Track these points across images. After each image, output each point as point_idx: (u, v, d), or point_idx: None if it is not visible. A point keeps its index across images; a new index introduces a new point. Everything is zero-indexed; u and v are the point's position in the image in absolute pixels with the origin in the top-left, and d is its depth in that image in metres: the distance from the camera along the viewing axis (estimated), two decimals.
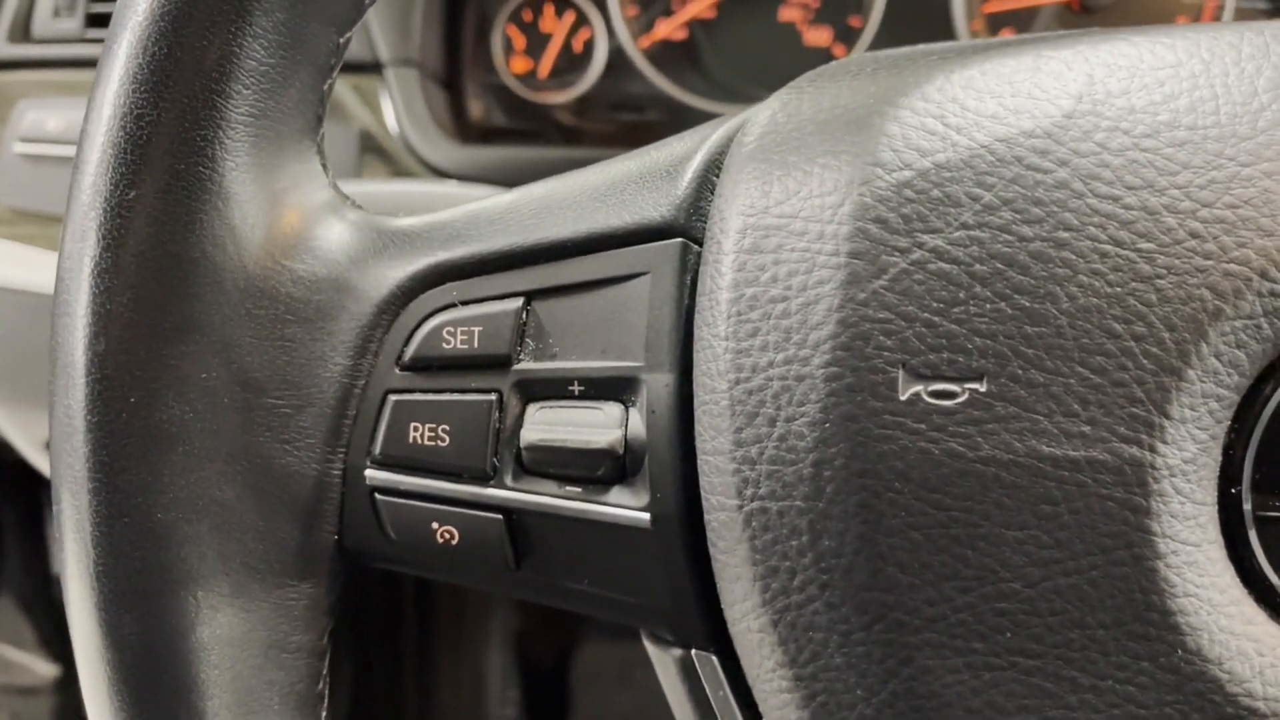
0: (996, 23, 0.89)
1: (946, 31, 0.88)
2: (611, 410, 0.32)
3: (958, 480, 0.27)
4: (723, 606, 0.31)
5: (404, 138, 0.82)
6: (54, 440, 0.32)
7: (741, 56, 0.92)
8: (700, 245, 0.32)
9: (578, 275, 0.34)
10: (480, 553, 0.34)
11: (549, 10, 0.92)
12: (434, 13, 0.89)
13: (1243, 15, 0.87)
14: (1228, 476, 0.28)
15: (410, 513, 0.34)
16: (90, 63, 0.85)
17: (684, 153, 0.34)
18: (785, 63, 0.91)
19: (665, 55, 0.92)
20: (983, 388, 0.27)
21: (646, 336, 0.32)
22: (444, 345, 0.34)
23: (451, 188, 0.71)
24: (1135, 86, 0.29)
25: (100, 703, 0.32)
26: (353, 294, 0.34)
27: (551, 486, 0.33)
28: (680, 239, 0.33)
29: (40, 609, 1.24)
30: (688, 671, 0.33)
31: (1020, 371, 0.27)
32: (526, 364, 0.34)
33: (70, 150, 0.80)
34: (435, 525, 0.34)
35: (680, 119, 0.91)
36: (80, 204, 0.31)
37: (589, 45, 0.92)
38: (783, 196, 0.30)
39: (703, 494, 0.30)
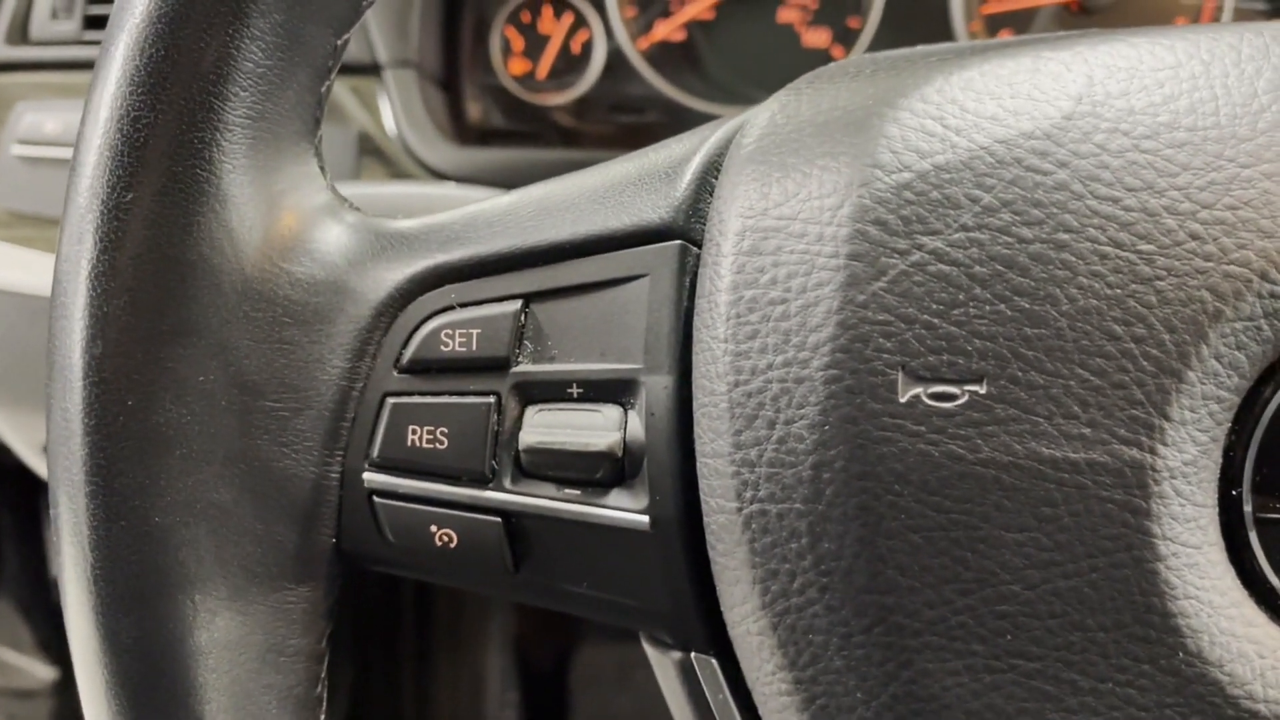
0: (995, 24, 0.89)
1: (945, 33, 0.88)
2: (610, 413, 0.32)
3: (957, 482, 0.27)
4: (722, 609, 0.31)
5: (402, 139, 0.82)
6: (51, 443, 0.32)
7: (740, 58, 0.92)
8: (699, 247, 0.32)
9: (576, 277, 0.33)
10: (479, 556, 0.34)
11: (547, 11, 0.92)
12: (432, 14, 0.88)
13: (1242, 16, 0.87)
14: (1228, 478, 0.28)
15: (409, 515, 0.34)
16: (88, 65, 0.84)
17: (683, 154, 0.34)
18: (784, 64, 0.91)
19: (664, 57, 0.92)
20: (982, 390, 0.27)
21: (645, 339, 0.32)
22: (442, 348, 0.34)
23: (450, 190, 0.71)
24: (1135, 88, 0.29)
25: (98, 706, 0.32)
26: (351, 296, 0.34)
27: (550, 489, 0.33)
28: (679, 241, 0.32)
29: (38, 612, 1.23)
30: (687, 674, 0.33)
31: (1020, 373, 0.27)
32: (525, 366, 0.33)
33: (68, 152, 0.80)
34: (434, 528, 0.34)
35: (679, 120, 0.91)
36: (77, 206, 0.31)
37: (587, 47, 0.92)
38: (782, 198, 0.30)
39: (702, 496, 0.30)
